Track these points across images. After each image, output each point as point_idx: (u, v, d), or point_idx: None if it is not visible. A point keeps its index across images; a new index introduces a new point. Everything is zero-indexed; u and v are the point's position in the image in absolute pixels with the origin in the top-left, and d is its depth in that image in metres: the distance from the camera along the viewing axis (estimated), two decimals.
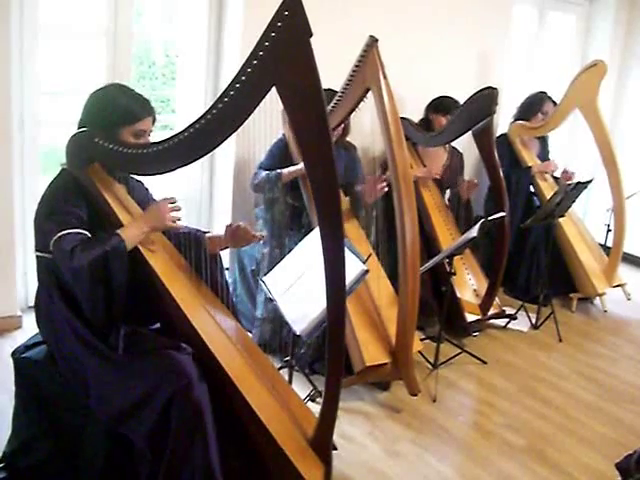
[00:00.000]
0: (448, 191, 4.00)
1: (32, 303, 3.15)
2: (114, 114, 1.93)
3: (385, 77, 2.48)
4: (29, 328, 2.94)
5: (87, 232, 1.86)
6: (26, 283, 3.26)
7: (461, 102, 3.40)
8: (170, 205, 1.99)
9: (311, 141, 1.57)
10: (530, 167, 4.23)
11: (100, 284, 1.79)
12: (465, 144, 3.87)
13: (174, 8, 3.61)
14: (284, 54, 1.49)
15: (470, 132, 3.33)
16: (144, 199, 2.17)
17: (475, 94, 3.25)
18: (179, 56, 3.69)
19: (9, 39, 2.79)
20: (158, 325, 2.04)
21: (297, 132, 1.59)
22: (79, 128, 1.94)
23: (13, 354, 2.04)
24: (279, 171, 3.04)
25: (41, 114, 3.11)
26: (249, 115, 1.60)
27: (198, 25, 3.44)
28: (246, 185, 3.31)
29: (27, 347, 2.05)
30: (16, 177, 3.01)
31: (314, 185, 1.62)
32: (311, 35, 1.47)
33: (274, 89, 1.54)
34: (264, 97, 1.56)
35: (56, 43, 3.32)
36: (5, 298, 3.07)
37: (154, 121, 2.02)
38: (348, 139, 3.33)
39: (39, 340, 2.06)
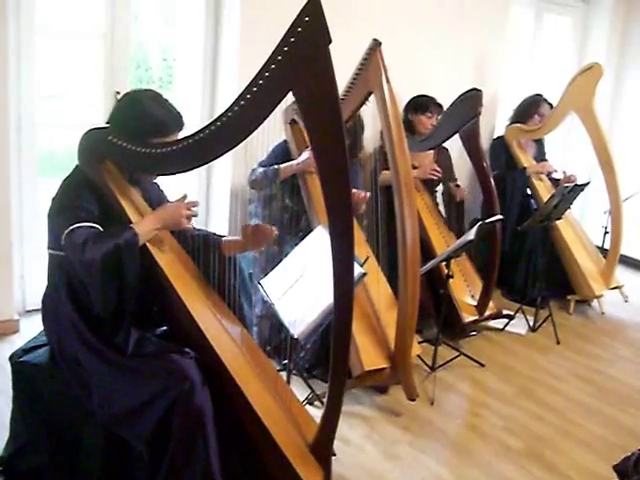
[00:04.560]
0: (440, 186, 3.98)
1: (30, 307, 3.21)
2: (147, 124, 1.93)
3: (388, 81, 2.46)
4: (27, 332, 2.93)
5: (99, 226, 1.85)
6: (23, 287, 3.25)
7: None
8: (188, 212, 1.98)
9: (325, 146, 1.59)
10: (525, 168, 4.23)
11: (112, 277, 1.77)
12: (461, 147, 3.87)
13: (171, 12, 3.61)
14: (302, 59, 1.50)
15: (457, 134, 3.34)
16: (158, 200, 2.15)
17: (460, 96, 3.26)
18: (176, 60, 3.69)
19: (6, 42, 2.79)
20: (164, 329, 2.03)
21: (311, 136, 1.60)
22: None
23: (11, 358, 2.03)
24: (277, 167, 3.03)
25: (38, 117, 3.10)
26: (265, 117, 1.60)
27: (195, 29, 3.44)
28: (243, 188, 3.30)
29: (25, 351, 2.04)
30: (13, 180, 3.01)
31: (326, 191, 1.62)
32: (330, 41, 1.48)
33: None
34: (281, 100, 1.57)
35: (53, 46, 3.33)
36: (2, 302, 3.07)
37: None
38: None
39: (37, 344, 2.06)
